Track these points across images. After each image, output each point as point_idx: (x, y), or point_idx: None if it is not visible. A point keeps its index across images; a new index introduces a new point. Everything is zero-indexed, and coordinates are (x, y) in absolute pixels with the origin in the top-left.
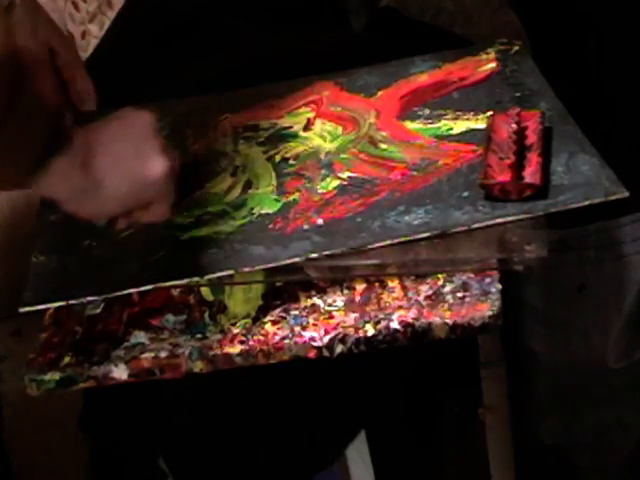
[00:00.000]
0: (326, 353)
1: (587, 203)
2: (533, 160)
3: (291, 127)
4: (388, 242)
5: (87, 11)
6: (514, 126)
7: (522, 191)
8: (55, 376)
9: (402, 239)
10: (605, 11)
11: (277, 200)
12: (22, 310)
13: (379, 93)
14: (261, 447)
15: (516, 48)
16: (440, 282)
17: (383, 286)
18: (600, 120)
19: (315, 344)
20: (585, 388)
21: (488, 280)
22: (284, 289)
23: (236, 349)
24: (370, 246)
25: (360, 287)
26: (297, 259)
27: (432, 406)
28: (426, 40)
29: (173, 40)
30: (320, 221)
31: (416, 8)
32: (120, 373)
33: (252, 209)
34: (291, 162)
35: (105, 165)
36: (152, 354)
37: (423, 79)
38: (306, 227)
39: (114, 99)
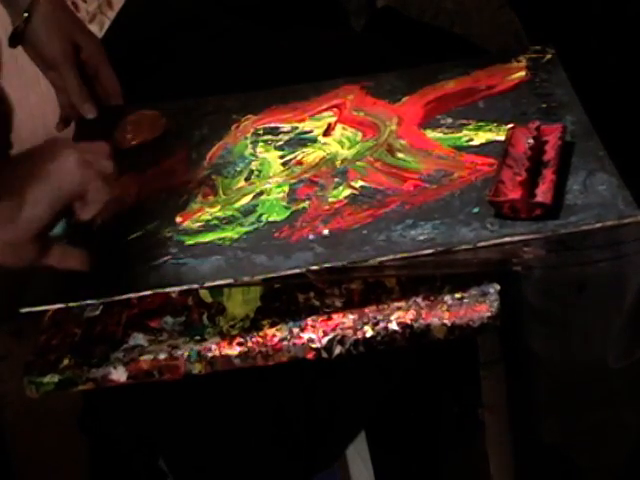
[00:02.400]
0: (325, 354)
1: (599, 226)
2: (547, 177)
3: (311, 131)
4: (390, 257)
5: (87, 11)
6: (531, 141)
7: (532, 210)
8: (54, 378)
9: (404, 255)
10: (607, 11)
11: (287, 207)
12: (23, 311)
13: (404, 99)
14: (261, 447)
15: (548, 57)
16: (438, 283)
17: (381, 287)
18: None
19: (314, 345)
20: (585, 388)
21: (486, 281)
22: (283, 291)
23: (235, 351)
24: (372, 261)
25: (358, 288)
26: (297, 270)
27: (432, 406)
28: (426, 40)
29: (173, 40)
30: (326, 231)
31: (416, 8)
32: (119, 375)
33: (261, 216)
34: (306, 168)
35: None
36: (151, 356)
37: (450, 86)
38: (311, 237)
39: None
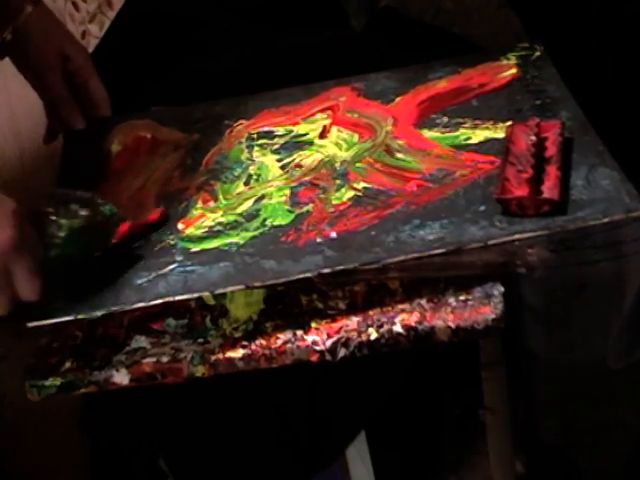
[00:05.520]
0: (328, 357)
1: (606, 220)
2: (552, 174)
3: (307, 134)
4: (402, 258)
5: (87, 11)
6: (533, 138)
7: (540, 206)
8: (56, 381)
9: (416, 255)
10: (609, 11)
11: (290, 211)
12: (30, 325)
13: (397, 99)
14: (261, 447)
15: (537, 53)
16: (442, 285)
17: (385, 289)
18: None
19: (317, 348)
20: (585, 388)
21: (491, 283)
22: (286, 293)
23: (238, 353)
24: (384, 262)
25: (362, 291)
26: (309, 274)
27: (433, 407)
28: (426, 40)
29: (173, 40)
30: (333, 234)
31: (416, 8)
32: (121, 378)
33: (265, 220)
34: (305, 171)
35: None
36: (153, 359)
37: (442, 85)
38: (319, 240)
39: (114, 100)
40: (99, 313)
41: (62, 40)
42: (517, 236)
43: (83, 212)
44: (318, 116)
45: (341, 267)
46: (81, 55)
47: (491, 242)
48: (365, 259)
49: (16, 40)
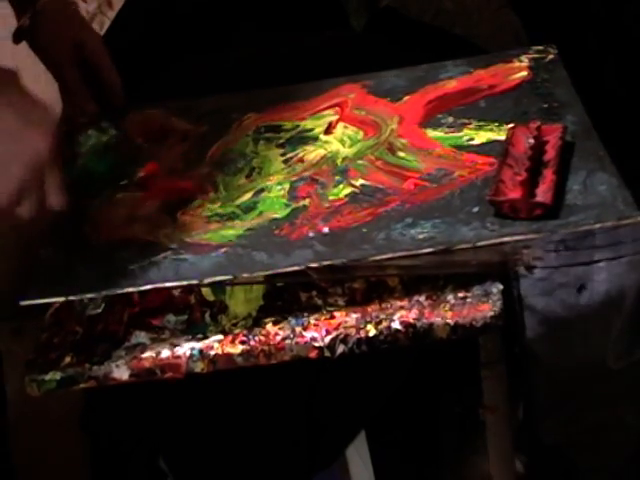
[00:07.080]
0: (327, 353)
1: (598, 226)
2: (548, 177)
3: (312, 130)
4: (389, 255)
5: (87, 11)
6: (531, 141)
7: (532, 210)
8: (56, 376)
9: (404, 253)
10: (607, 11)
11: (287, 205)
12: (23, 303)
13: (405, 98)
14: (261, 447)
15: (550, 56)
16: (441, 282)
17: (384, 286)
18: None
19: (316, 344)
20: (585, 388)
21: (489, 281)
22: (285, 289)
23: (237, 349)
24: (371, 259)
25: (361, 287)
26: (297, 268)
27: (433, 406)
28: (426, 40)
29: (173, 40)
30: (326, 229)
31: (416, 8)
32: (121, 373)
33: (261, 213)
34: (307, 166)
35: None
36: (153, 354)
37: (452, 85)
38: (311, 235)
39: None
40: (89, 295)
41: (77, 26)
42: (507, 239)
43: (113, 131)
44: (326, 112)
45: (329, 262)
46: (95, 41)
47: (480, 244)
48: (353, 255)
49: (32, 26)
